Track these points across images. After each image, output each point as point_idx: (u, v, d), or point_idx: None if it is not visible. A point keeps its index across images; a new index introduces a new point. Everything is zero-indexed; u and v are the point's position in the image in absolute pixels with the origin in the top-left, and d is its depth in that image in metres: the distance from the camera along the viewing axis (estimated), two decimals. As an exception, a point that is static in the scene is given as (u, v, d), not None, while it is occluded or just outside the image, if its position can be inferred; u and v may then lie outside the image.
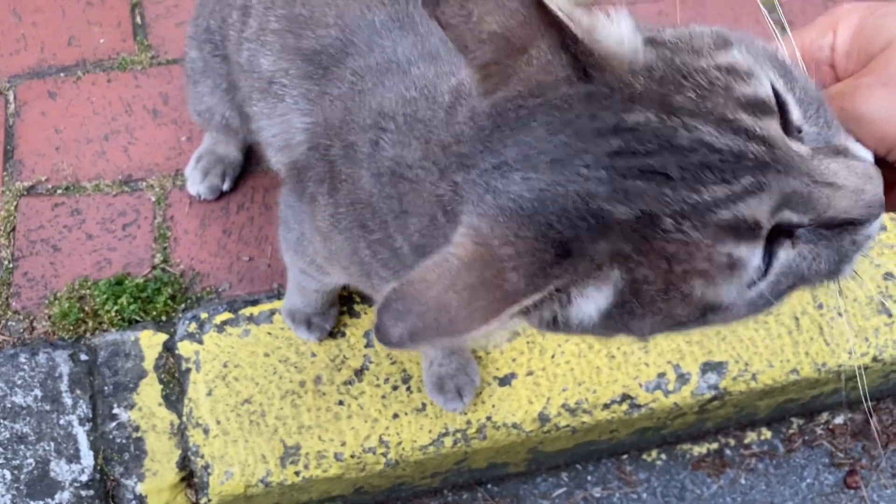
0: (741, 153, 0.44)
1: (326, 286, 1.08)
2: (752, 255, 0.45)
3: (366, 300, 1.21)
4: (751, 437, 1.39)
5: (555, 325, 0.49)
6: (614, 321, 0.49)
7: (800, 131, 0.48)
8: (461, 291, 0.44)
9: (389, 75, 0.73)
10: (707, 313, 0.48)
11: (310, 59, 0.82)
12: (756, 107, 0.45)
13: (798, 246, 0.47)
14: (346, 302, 1.21)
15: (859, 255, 0.50)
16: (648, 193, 0.44)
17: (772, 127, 0.45)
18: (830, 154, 0.47)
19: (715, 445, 1.38)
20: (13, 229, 1.30)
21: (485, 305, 0.44)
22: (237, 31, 0.93)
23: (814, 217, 0.46)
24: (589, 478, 1.36)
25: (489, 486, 1.33)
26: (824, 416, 1.40)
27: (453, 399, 1.14)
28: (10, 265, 1.27)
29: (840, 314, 1.22)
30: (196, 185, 1.30)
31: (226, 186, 1.31)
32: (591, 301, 0.47)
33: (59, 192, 1.33)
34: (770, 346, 1.22)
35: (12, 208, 1.31)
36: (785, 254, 0.47)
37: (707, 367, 1.21)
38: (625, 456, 1.36)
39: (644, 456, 1.37)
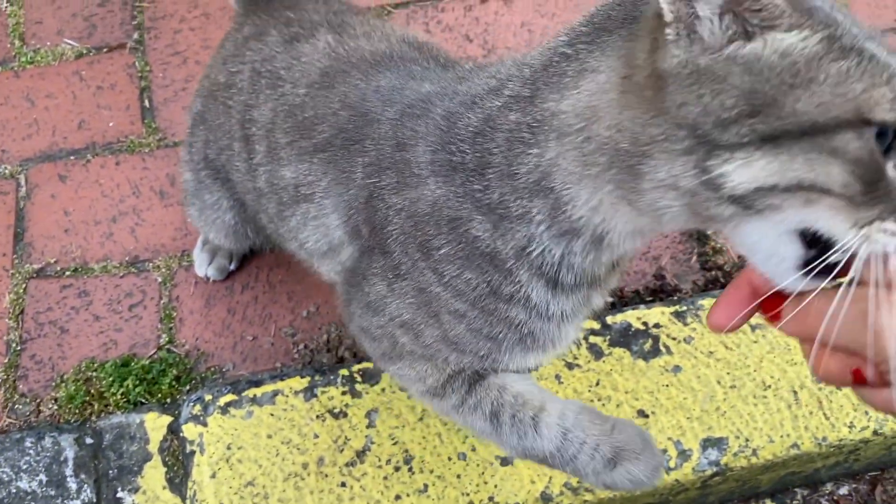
0: None
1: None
2: None
3: (367, 379, 1.23)
4: (755, 509, 1.38)
5: None
6: None
7: None
8: None
9: (418, 119, 0.77)
10: None
11: (327, 147, 0.85)
12: None
13: None
14: (347, 382, 1.23)
15: None
16: None
17: None
18: None
19: (719, 518, 1.37)
20: (22, 311, 1.32)
21: None
22: (244, 161, 0.96)
23: None
24: (593, 554, 1.35)
25: (493, 563, 1.32)
26: (828, 486, 1.40)
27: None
28: (18, 347, 1.29)
29: (839, 388, 1.22)
30: (203, 266, 1.33)
31: (233, 266, 1.34)
32: None
33: (67, 273, 1.36)
34: (769, 420, 1.23)
35: (21, 290, 1.34)
36: None
37: (707, 443, 1.21)
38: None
39: (650, 531, 1.36)
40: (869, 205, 0.51)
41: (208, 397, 1.22)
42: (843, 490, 1.40)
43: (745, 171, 0.52)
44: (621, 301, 1.35)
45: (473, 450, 1.20)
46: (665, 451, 1.20)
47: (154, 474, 1.18)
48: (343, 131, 0.84)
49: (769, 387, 1.24)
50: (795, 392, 1.25)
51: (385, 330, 0.85)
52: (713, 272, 1.36)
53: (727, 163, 0.52)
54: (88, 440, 1.20)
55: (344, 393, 1.22)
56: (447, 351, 0.82)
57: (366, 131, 0.81)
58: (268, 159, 0.90)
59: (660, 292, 1.35)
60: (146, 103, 1.53)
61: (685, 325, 1.29)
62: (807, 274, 0.54)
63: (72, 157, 1.48)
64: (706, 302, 1.31)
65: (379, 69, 0.86)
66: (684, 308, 1.30)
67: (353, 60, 0.89)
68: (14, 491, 1.16)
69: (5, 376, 1.27)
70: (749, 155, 0.52)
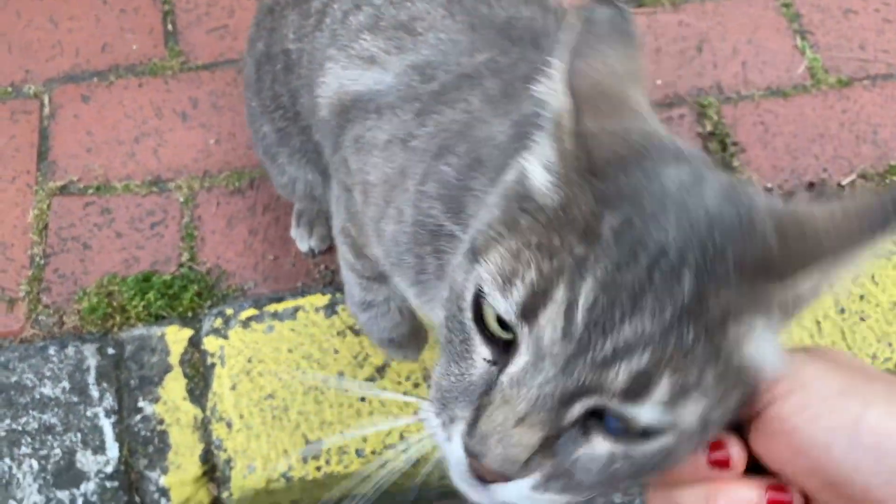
0: None
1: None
2: None
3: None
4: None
5: None
6: None
7: None
8: None
9: None
10: None
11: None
12: None
13: None
14: (368, 300, 1.23)
15: None
16: None
17: None
18: None
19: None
20: (45, 227, 1.33)
21: None
22: (314, 29, 0.94)
23: None
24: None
25: (508, 489, 1.33)
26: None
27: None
28: (42, 261, 1.30)
29: (862, 319, 1.21)
30: (305, 241, 1.30)
31: None
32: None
33: (90, 191, 1.36)
34: (792, 349, 1.22)
35: (45, 207, 1.35)
36: None
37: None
38: None
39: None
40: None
41: (229, 311, 1.22)
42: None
43: None
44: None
45: (492, 370, 1.20)
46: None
47: (174, 386, 1.19)
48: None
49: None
50: (818, 322, 1.24)
51: (347, 185, 0.92)
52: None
53: None
54: (110, 350, 1.21)
55: (364, 311, 1.22)
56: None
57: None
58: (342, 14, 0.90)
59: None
60: (169, 27, 1.53)
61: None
62: None
63: (95, 79, 1.47)
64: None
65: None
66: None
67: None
68: (38, 397, 1.17)
69: (29, 289, 1.28)
70: None
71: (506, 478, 0.47)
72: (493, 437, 0.46)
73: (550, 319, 0.45)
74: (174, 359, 1.20)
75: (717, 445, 0.47)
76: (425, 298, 0.78)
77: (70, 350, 1.20)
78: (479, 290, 0.48)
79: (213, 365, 1.19)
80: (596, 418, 0.46)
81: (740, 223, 0.45)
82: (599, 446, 0.46)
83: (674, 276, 0.44)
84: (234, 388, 1.17)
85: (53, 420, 1.16)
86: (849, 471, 0.43)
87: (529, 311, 0.45)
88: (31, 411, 1.17)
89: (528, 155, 0.51)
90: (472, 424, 0.47)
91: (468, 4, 0.85)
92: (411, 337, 1.10)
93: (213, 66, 1.48)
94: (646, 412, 0.44)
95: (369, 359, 1.20)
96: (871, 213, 0.44)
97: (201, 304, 1.26)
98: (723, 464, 0.47)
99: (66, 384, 1.18)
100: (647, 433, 0.46)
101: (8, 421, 1.16)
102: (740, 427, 0.48)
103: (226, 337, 1.20)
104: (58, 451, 1.15)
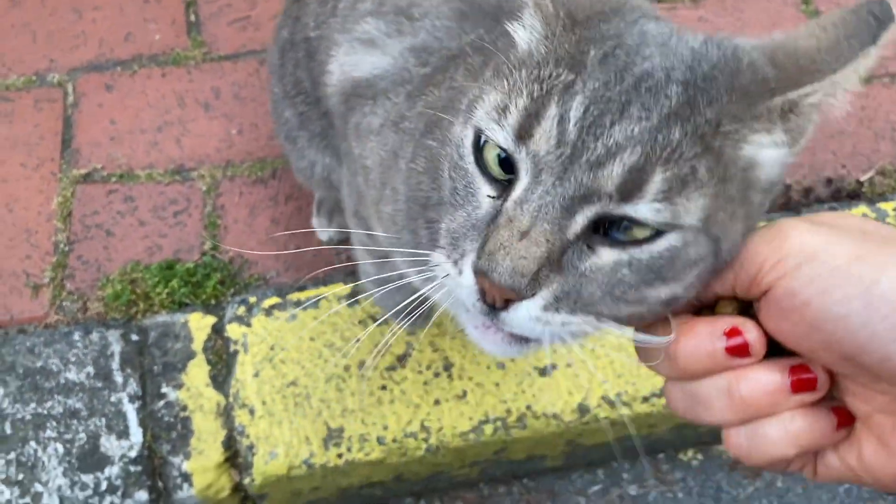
0: None
1: None
2: None
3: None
4: (788, 439, 1.39)
5: None
6: None
7: None
8: None
9: None
10: None
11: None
12: None
13: None
14: (390, 290, 1.24)
15: None
16: None
17: None
18: None
19: (752, 446, 1.38)
20: (69, 214, 1.34)
21: None
22: (331, 13, 0.96)
23: None
24: (625, 475, 1.37)
25: (525, 480, 1.34)
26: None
27: None
28: (66, 248, 1.31)
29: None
30: (325, 230, 1.32)
31: None
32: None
33: (113, 179, 1.38)
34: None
35: (69, 194, 1.36)
36: None
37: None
38: (661, 455, 1.37)
39: (680, 455, 1.37)
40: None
41: (253, 299, 1.23)
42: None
43: None
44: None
45: (512, 360, 1.21)
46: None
47: (198, 372, 1.20)
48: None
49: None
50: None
51: (356, 168, 0.93)
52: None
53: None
54: (134, 337, 1.22)
55: (386, 300, 1.23)
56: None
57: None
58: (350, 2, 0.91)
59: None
60: (192, 17, 1.54)
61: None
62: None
63: (118, 68, 1.49)
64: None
65: None
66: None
67: None
68: (63, 381, 1.19)
69: (53, 275, 1.29)
70: None
71: (516, 296, 0.48)
72: (500, 252, 0.48)
73: (544, 133, 0.48)
74: (197, 345, 1.21)
75: (733, 332, 0.47)
76: (423, 277, 0.80)
77: (95, 336, 1.22)
78: (478, 131, 0.52)
79: (237, 352, 1.20)
80: (600, 235, 0.48)
81: (724, 56, 0.49)
82: (605, 255, 0.48)
83: (660, 89, 0.47)
84: (256, 375, 1.18)
85: (78, 405, 1.18)
86: (866, 340, 0.42)
87: (525, 133, 0.49)
88: (56, 396, 1.18)
89: (513, 23, 0.55)
90: (481, 249, 0.49)
91: None
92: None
93: (235, 57, 1.49)
94: (643, 208, 0.46)
95: (390, 348, 1.21)
96: (857, 31, 0.47)
97: (224, 292, 1.27)
98: (741, 350, 0.47)
99: (90, 369, 1.19)
100: (650, 238, 0.47)
101: (34, 405, 1.17)
102: (753, 315, 0.48)
103: (249, 325, 1.21)
104: (82, 435, 1.16)
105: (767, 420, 0.47)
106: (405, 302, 1.08)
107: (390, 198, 0.80)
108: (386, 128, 0.83)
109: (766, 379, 0.46)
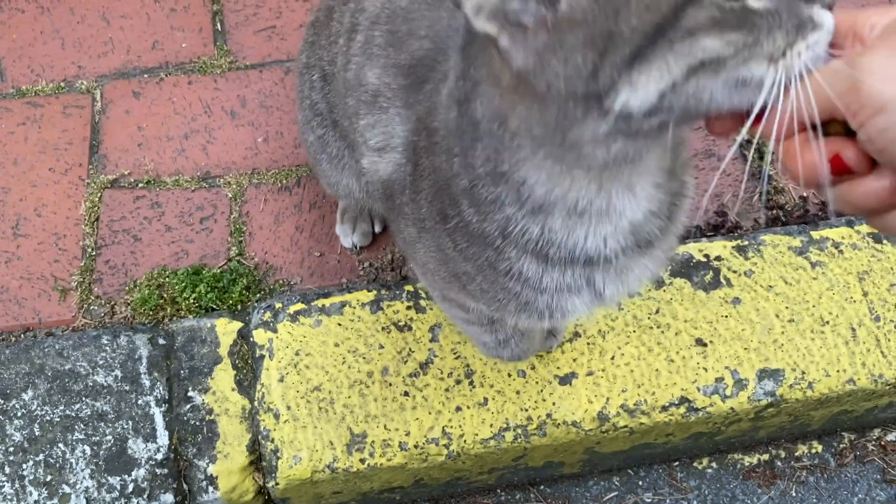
0: None
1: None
2: None
3: (430, 297, 1.26)
4: (802, 449, 1.40)
5: None
6: None
7: None
8: None
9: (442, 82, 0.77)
10: None
11: (408, 72, 0.87)
12: None
13: None
14: (411, 297, 1.26)
15: None
16: None
17: None
18: None
19: (766, 456, 1.40)
20: (97, 219, 1.36)
21: None
22: (344, 54, 0.98)
23: None
24: (640, 483, 1.38)
25: (542, 486, 1.36)
26: (876, 431, 1.41)
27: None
28: (93, 253, 1.34)
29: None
30: (348, 237, 1.35)
31: (378, 229, 1.35)
32: None
33: (140, 185, 1.40)
34: (826, 355, 1.24)
35: (97, 199, 1.38)
36: None
37: (764, 374, 1.23)
38: (676, 463, 1.38)
39: (695, 464, 1.39)
40: (767, 39, 0.53)
41: (278, 305, 1.25)
42: (891, 436, 1.41)
43: (638, 94, 0.54)
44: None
45: (533, 368, 1.23)
46: (721, 378, 1.23)
47: (224, 376, 1.22)
48: (422, 62, 0.85)
49: (827, 322, 1.26)
50: (854, 329, 1.26)
51: (416, 261, 0.94)
52: (775, 210, 1.37)
53: (620, 95, 0.54)
54: (161, 341, 1.24)
55: (409, 308, 1.25)
56: (465, 298, 0.91)
57: (431, 74, 0.82)
58: (362, 50, 0.93)
59: (720, 228, 1.36)
60: (218, 26, 1.56)
61: (746, 258, 1.30)
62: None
63: (145, 76, 1.51)
64: (768, 238, 1.32)
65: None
66: (746, 242, 1.31)
67: None
68: (91, 384, 1.21)
69: (81, 279, 1.32)
70: (630, 79, 0.53)
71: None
72: None
73: None
74: (224, 350, 1.23)
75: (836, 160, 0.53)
76: (524, 316, 0.83)
77: (123, 339, 1.24)
78: None
79: (262, 357, 1.22)
80: None
81: None
82: None
83: None
84: (281, 380, 1.21)
85: (106, 407, 1.20)
86: None
87: None
88: (84, 398, 1.20)
89: None
90: None
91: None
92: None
93: (261, 66, 1.51)
94: None
95: (413, 354, 1.23)
96: None
97: (250, 297, 1.29)
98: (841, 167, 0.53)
99: (118, 373, 1.22)
100: None
101: (62, 407, 1.20)
102: None
103: (275, 330, 1.24)
104: (110, 437, 1.18)
105: None
106: (532, 348, 1.13)
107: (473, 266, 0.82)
108: (420, 233, 0.86)
109: (872, 186, 0.53)
